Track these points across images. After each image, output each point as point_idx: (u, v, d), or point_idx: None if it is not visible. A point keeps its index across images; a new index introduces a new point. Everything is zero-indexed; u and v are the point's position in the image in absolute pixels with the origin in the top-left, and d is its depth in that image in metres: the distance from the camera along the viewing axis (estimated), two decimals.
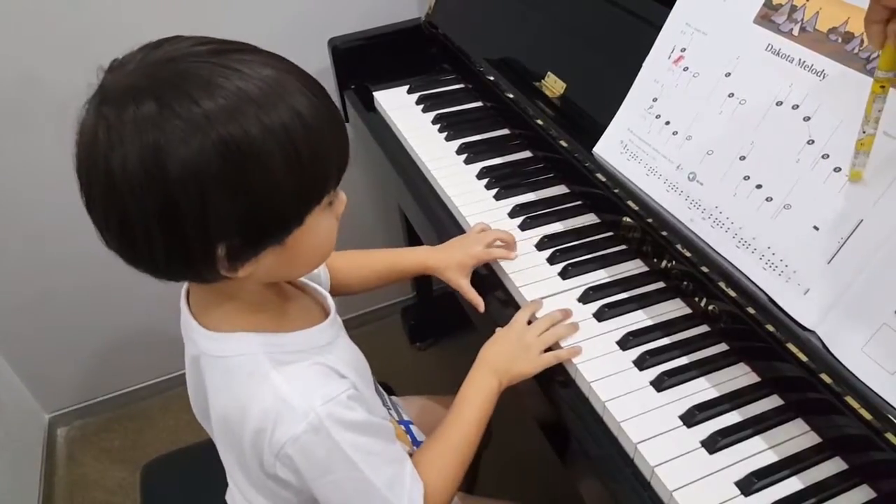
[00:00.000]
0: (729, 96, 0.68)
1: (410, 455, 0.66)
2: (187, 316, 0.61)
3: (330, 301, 0.70)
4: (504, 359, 0.73)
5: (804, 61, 0.64)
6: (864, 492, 0.60)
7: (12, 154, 1.20)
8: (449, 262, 0.84)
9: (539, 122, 0.97)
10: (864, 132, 0.55)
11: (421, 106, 1.16)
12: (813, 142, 0.61)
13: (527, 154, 1.05)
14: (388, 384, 1.01)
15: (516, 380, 0.72)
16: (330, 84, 1.26)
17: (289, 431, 0.54)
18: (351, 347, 0.68)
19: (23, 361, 1.47)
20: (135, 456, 1.54)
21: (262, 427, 0.55)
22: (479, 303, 0.81)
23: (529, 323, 0.76)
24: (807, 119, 0.62)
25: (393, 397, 0.92)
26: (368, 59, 1.23)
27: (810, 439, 0.64)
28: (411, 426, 0.83)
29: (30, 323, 1.41)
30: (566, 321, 0.75)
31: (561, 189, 0.97)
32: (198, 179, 0.46)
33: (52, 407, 1.59)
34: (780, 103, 0.64)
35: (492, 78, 1.06)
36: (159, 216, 0.47)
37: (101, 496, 1.48)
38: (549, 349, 0.73)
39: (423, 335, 1.71)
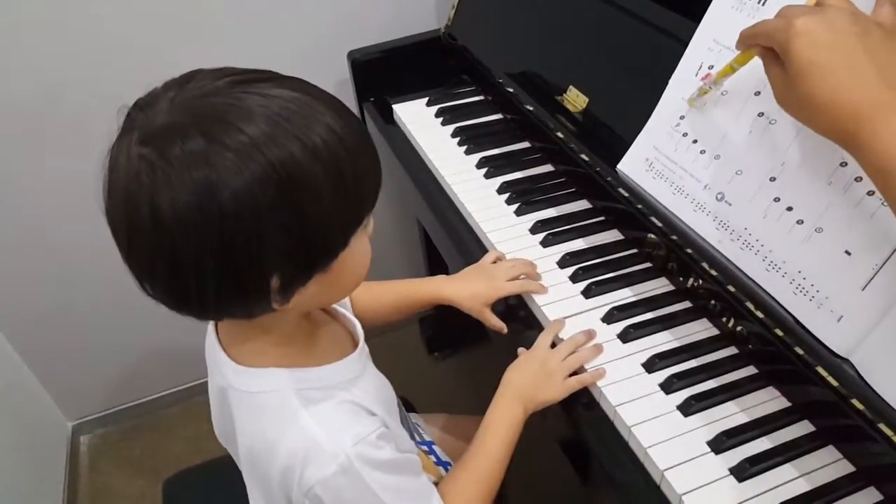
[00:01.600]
0: (759, 115, 0.66)
1: (436, 483, 0.65)
2: (216, 347, 0.60)
3: (359, 329, 0.69)
4: (529, 386, 0.72)
5: None
6: None
7: (33, 165, 1.21)
8: (467, 293, 0.82)
9: (560, 135, 0.96)
10: (709, 87, 0.69)
11: (440, 119, 1.15)
12: (846, 164, 0.59)
13: (548, 168, 1.04)
14: (408, 399, 1.01)
15: (541, 406, 0.72)
16: (349, 97, 1.26)
17: (318, 473, 0.54)
18: (378, 377, 0.68)
19: (46, 370, 1.49)
20: (156, 465, 1.55)
21: (291, 466, 0.55)
22: (502, 327, 0.81)
23: (553, 346, 0.75)
24: None
25: (412, 415, 0.91)
26: (388, 71, 1.23)
27: (843, 468, 0.63)
28: (434, 447, 0.82)
29: (53, 332, 1.43)
30: (590, 343, 0.74)
31: (583, 204, 0.96)
32: (253, 210, 0.45)
33: (75, 415, 1.61)
34: None
35: (511, 90, 1.05)
36: (215, 254, 0.46)
37: None
38: (573, 373, 0.72)
39: (441, 346, 1.71)
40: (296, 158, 0.46)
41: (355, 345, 0.66)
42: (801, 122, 0.56)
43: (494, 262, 0.86)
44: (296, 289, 0.52)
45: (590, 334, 0.75)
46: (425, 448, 0.80)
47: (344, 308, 0.73)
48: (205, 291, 0.48)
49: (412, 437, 0.73)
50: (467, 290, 0.82)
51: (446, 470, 0.79)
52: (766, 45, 0.55)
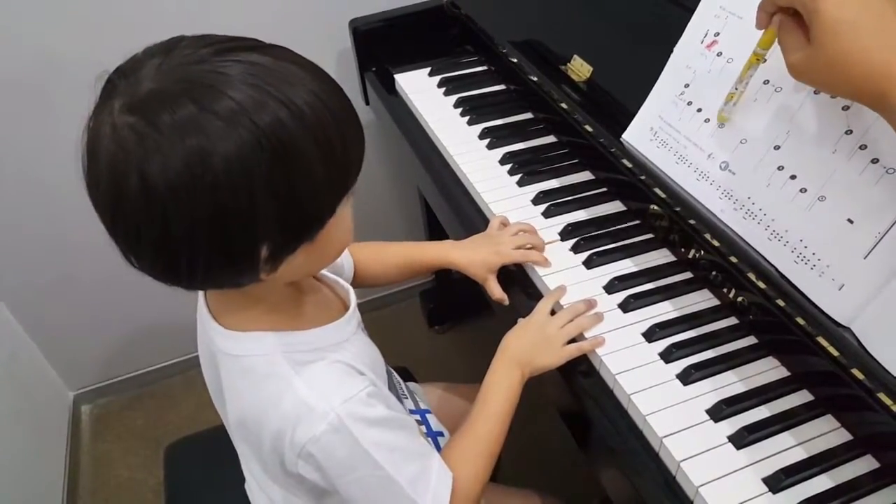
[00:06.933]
0: (764, 83, 0.66)
1: None
2: (206, 314, 0.60)
3: (351, 295, 0.69)
4: (526, 351, 0.72)
5: None
6: None
7: (35, 135, 1.20)
8: (474, 258, 0.82)
9: (564, 106, 0.95)
10: (735, 89, 0.65)
11: (443, 89, 1.14)
12: (851, 132, 0.59)
13: (551, 139, 1.03)
14: (408, 369, 1.01)
15: (538, 371, 0.72)
16: (351, 66, 1.24)
17: (309, 432, 0.54)
18: (368, 345, 0.68)
19: (48, 340, 1.49)
20: (157, 434, 1.56)
21: (282, 428, 0.55)
22: (503, 297, 0.81)
23: (553, 313, 0.75)
24: (845, 108, 0.60)
25: (410, 384, 0.91)
26: (390, 40, 1.21)
27: (841, 436, 0.63)
28: (428, 415, 0.83)
29: (55, 302, 1.43)
30: (590, 312, 0.74)
31: (585, 175, 0.95)
32: (245, 177, 0.45)
33: (77, 385, 1.62)
34: (817, 91, 0.62)
35: (515, 60, 1.04)
36: (207, 222, 0.46)
37: (125, 473, 1.51)
38: (572, 340, 0.73)
39: (442, 319, 1.71)
40: (284, 124, 0.46)
41: (345, 310, 0.66)
42: (823, 88, 0.54)
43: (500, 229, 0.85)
44: (284, 257, 0.51)
45: (590, 303, 0.75)
46: (418, 417, 0.80)
47: (335, 274, 0.73)
48: (195, 261, 0.48)
49: (404, 405, 0.73)
50: (474, 255, 0.82)
51: (436, 441, 0.79)
52: (787, 4, 0.54)
